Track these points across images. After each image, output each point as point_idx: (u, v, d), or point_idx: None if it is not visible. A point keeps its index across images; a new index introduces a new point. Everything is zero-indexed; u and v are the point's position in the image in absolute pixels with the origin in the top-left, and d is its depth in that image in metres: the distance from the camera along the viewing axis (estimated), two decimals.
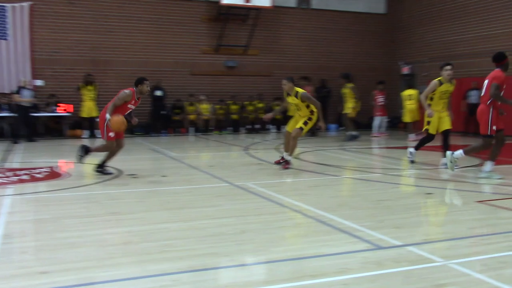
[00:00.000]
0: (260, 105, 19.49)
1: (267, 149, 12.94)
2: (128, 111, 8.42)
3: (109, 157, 8.41)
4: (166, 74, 18.71)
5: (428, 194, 6.83)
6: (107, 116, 7.94)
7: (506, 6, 16.56)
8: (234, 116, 19.17)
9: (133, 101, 8.28)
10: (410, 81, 21.10)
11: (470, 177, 8.25)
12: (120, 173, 8.64)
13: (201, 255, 4.21)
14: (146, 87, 8.28)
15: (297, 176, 8.74)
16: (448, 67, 9.08)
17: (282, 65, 20.27)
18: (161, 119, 17.94)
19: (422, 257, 4.15)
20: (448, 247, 4.44)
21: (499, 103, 7.69)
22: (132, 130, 17.65)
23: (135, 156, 11.28)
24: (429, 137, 9.29)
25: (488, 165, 7.94)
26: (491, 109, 7.66)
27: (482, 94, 7.87)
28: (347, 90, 15.59)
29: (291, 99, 9.25)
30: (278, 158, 9.69)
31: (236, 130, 18.80)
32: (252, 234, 4.87)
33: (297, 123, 9.29)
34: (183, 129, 18.29)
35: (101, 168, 8.39)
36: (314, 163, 10.34)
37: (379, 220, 5.42)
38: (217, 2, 18.43)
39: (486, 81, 7.82)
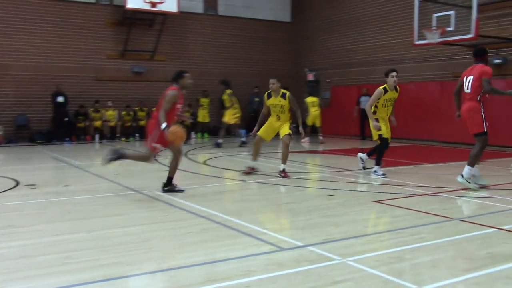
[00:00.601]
0: None
1: None
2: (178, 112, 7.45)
3: (173, 170, 7.47)
4: (69, 79, 18.00)
5: (329, 196, 7.14)
6: (163, 125, 6.87)
7: (401, 17, 17.68)
8: (142, 123, 18.80)
9: (180, 100, 7.35)
10: (315, 88, 21.91)
11: (368, 179, 8.73)
12: (17, 183, 8.21)
13: (104, 265, 4.13)
14: (188, 80, 7.40)
15: (205, 182, 8.77)
16: (394, 73, 8.92)
17: (189, 71, 20.03)
18: (64, 126, 17.22)
19: (322, 256, 4.35)
20: (346, 245, 4.68)
21: (497, 95, 7.72)
22: (32, 138, 16.80)
23: (35, 165, 10.76)
24: (384, 143, 8.92)
25: (468, 170, 7.45)
26: (482, 105, 7.43)
27: (468, 91, 7.48)
28: (226, 97, 15.33)
29: (276, 101, 8.91)
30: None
31: (143, 137, 18.44)
32: (157, 242, 4.85)
33: (279, 129, 9.00)
34: (88, 137, 17.68)
35: (170, 186, 7.46)
36: (222, 168, 10.43)
37: (283, 222, 5.60)
38: (122, 6, 18.05)
39: (470, 77, 7.46)
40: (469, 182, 7.35)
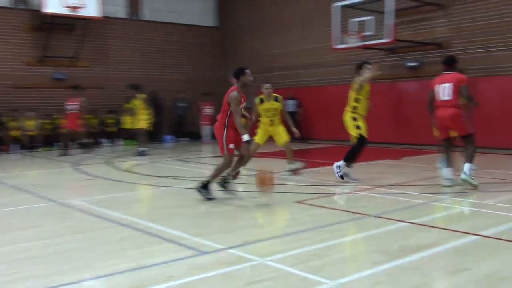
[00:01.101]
0: (94, 120, 18.79)
1: (98, 164, 12.53)
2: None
3: (216, 175, 7.23)
4: None
5: (252, 198, 7.24)
6: (246, 137, 6.82)
7: (323, 22, 18.16)
8: (64, 131, 18.17)
9: (242, 99, 7.04)
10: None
11: (291, 179, 8.93)
12: None
13: (20, 279, 3.97)
14: (249, 77, 7.08)
15: (129, 189, 8.63)
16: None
17: (115, 77, 19.82)
18: None
19: (242, 257, 4.41)
20: (266, 246, 4.77)
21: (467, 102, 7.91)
22: None
23: None
24: (362, 141, 8.40)
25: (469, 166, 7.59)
26: (463, 111, 7.76)
27: (449, 98, 7.62)
28: (138, 102, 14.28)
29: (270, 105, 9.14)
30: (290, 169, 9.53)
31: (65, 146, 17.81)
32: (75, 253, 4.72)
33: (274, 133, 9.38)
34: (5, 147, 16.83)
35: (204, 188, 7.19)
36: (147, 175, 10.29)
37: (205, 226, 5.62)
38: (39, 11, 17.36)
39: (447, 85, 7.64)
40: (472, 179, 7.50)
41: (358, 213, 6.08)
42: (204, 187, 7.17)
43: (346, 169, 8.40)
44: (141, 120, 14.21)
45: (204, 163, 12.87)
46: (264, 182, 6.75)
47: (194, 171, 10.87)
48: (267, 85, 9.20)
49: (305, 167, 9.68)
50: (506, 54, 13.62)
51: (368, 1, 14.70)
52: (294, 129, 9.32)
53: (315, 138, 17.91)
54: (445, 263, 4.18)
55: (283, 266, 4.14)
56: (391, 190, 7.71)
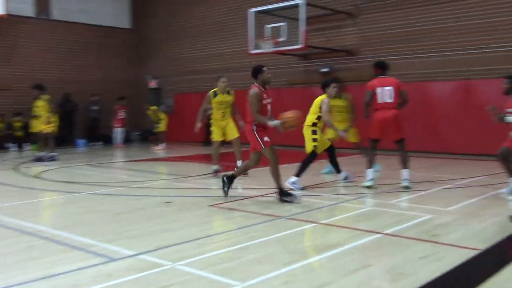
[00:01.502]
0: (0, 124, 17.77)
1: (4, 169, 11.87)
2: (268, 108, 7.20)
3: (278, 176, 7.09)
4: None
5: (167, 203, 7.18)
6: (272, 122, 6.91)
7: (239, 27, 18.36)
8: None
9: (264, 95, 7.09)
10: (157, 95, 21.83)
11: (206, 184, 8.95)
12: None
13: None
14: (267, 74, 7.16)
15: (36, 196, 8.26)
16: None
17: (23, 78, 18.79)
18: None
19: (152, 263, 4.37)
20: (177, 250, 4.75)
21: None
22: None
23: None
24: (314, 155, 8.35)
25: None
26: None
27: (391, 100, 7.90)
28: (42, 103, 13.42)
29: (223, 97, 9.63)
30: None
31: None
32: None
33: (225, 128, 9.75)
34: None
35: (286, 194, 7.07)
36: (57, 181, 9.89)
37: (117, 233, 5.51)
38: None
39: (389, 88, 7.93)
40: (407, 184, 7.95)
41: (270, 215, 6.21)
42: (231, 179, 7.40)
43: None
44: (47, 123, 13.46)
45: (116, 168, 12.58)
46: (291, 120, 6.98)
47: (106, 176, 10.60)
48: (224, 79, 9.63)
49: (221, 171, 9.73)
50: (410, 61, 14.46)
51: (282, 8, 15.04)
52: (241, 123, 9.57)
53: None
54: (350, 260, 4.38)
55: (194, 269, 4.15)
56: (303, 192, 7.94)
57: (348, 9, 15.56)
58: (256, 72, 7.20)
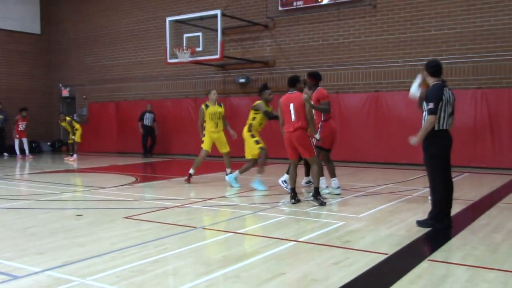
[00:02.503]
0: None
1: None
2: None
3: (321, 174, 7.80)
4: None
5: (78, 216, 6.88)
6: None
7: (156, 36, 18.12)
8: None
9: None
10: (70, 104, 21.02)
11: (121, 195, 8.69)
12: None
13: None
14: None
15: None
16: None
17: None
18: None
19: (60, 279, 4.15)
20: (87, 265, 4.55)
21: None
22: None
23: None
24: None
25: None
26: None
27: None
28: None
29: (215, 108, 9.90)
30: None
31: None
32: None
33: (218, 140, 9.99)
34: None
35: (318, 196, 7.54)
36: None
37: (22, 249, 5.18)
38: None
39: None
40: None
41: (186, 226, 6.13)
42: (317, 193, 7.52)
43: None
44: None
45: (24, 180, 11.92)
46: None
47: (12, 189, 10.00)
48: (214, 91, 10.05)
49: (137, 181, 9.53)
50: (323, 73, 14.92)
51: (199, 18, 15.03)
52: (232, 132, 9.92)
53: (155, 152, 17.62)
54: (264, 269, 4.40)
55: (105, 284, 3.99)
56: (220, 202, 7.92)
57: (265, 21, 15.82)
58: (295, 82, 7.83)
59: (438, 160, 5.88)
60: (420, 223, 5.99)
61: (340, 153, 14.06)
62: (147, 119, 17.22)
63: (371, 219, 6.49)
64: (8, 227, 6.32)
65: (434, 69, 5.95)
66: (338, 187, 8.51)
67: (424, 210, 6.68)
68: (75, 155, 16.24)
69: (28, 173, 13.25)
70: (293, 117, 7.55)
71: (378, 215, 6.76)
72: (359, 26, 14.46)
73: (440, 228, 5.86)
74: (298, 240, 5.40)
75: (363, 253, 4.88)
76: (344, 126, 14.22)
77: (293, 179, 7.73)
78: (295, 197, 7.65)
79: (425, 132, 5.76)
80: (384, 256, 4.77)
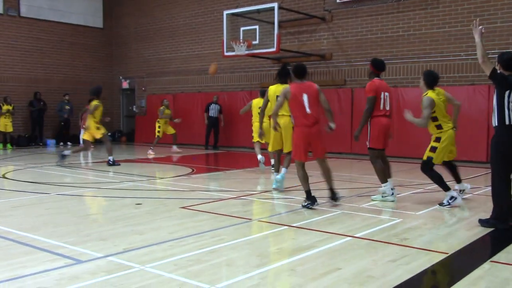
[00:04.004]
0: None
1: None
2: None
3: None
4: None
5: (137, 205, 7.09)
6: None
7: (214, 29, 18.34)
8: None
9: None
10: (129, 96, 21.61)
11: (178, 186, 8.87)
12: None
13: None
14: None
15: (2, 197, 8.04)
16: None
17: None
18: None
19: (121, 265, 4.30)
20: (146, 252, 4.69)
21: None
22: None
23: None
24: None
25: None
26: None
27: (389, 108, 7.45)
28: None
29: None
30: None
31: None
32: None
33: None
34: None
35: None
36: (24, 181, 9.66)
37: (85, 234, 5.40)
38: None
39: (387, 94, 7.37)
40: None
41: (241, 218, 6.19)
42: (334, 194, 7.07)
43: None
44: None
45: (87, 169, 12.36)
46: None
47: (75, 177, 10.41)
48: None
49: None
50: None
51: (256, 11, 15.06)
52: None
53: (212, 144, 17.86)
54: (319, 263, 4.38)
55: (163, 272, 4.10)
56: (276, 194, 7.94)
57: (322, 13, 15.67)
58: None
59: (501, 157, 5.64)
60: (482, 222, 5.79)
61: (397, 149, 13.78)
62: (213, 110, 17.35)
63: (429, 217, 6.33)
64: (72, 213, 6.59)
65: (508, 62, 5.67)
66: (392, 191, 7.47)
67: (485, 210, 6.44)
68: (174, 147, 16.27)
69: (91, 162, 13.74)
70: (308, 109, 6.74)
71: (437, 213, 6.59)
72: (419, 18, 14.07)
73: (502, 228, 5.64)
74: (354, 235, 5.34)
75: (421, 251, 4.77)
76: (402, 122, 13.89)
77: (307, 180, 6.92)
78: (313, 200, 6.85)
79: None
80: (444, 256, 4.64)
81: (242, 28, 15.61)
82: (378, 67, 7.52)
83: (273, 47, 14.45)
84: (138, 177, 10.14)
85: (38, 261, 4.43)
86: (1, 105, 17.61)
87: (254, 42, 15.09)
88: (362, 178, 9.98)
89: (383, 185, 7.36)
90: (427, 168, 7.00)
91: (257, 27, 15.31)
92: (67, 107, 19.30)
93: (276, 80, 8.64)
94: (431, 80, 7.00)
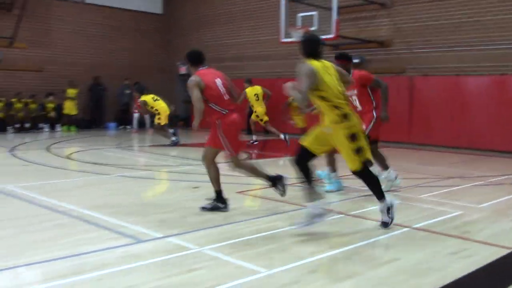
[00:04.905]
0: (33, 105, 18.10)
1: (37, 149, 12.10)
2: None
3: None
4: None
5: (194, 188, 7.22)
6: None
7: (271, 15, 18.27)
8: (0, 114, 17.48)
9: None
10: (186, 81, 21.87)
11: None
12: None
13: None
14: None
15: (67, 176, 8.40)
16: None
17: (55, 60, 19.13)
18: None
19: (179, 246, 4.40)
20: (204, 235, 4.78)
21: None
22: None
23: None
24: None
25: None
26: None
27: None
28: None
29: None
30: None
31: (1, 130, 17.12)
32: (9, 239, 4.57)
33: None
34: None
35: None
36: (87, 162, 10.03)
37: (144, 215, 5.56)
38: None
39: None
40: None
41: (297, 204, 6.19)
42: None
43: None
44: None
45: (146, 152, 12.69)
46: None
47: (135, 159, 10.72)
48: None
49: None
50: (443, 54, 14.16)
51: None
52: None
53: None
54: (377, 252, 4.33)
55: (220, 254, 4.17)
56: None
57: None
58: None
59: None
60: None
61: (456, 139, 13.36)
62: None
63: (492, 210, 6.10)
64: (132, 195, 6.79)
65: None
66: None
67: None
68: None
69: (148, 146, 14.10)
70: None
71: (501, 206, 6.35)
72: (485, 4, 13.45)
73: None
74: (412, 226, 5.23)
75: (483, 245, 4.62)
76: (462, 111, 13.43)
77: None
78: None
79: None
80: (507, 251, 4.47)
81: (300, 14, 15.45)
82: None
83: (331, 33, 14.23)
84: (194, 161, 10.30)
85: (101, 239, 4.60)
86: (66, 88, 18.27)
87: (311, 28, 14.91)
88: (419, 168, 9.74)
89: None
90: None
91: (315, 13, 15.10)
92: (127, 91, 19.80)
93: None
94: None
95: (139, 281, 3.59)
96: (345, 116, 4.90)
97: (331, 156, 7.04)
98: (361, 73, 7.08)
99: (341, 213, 5.80)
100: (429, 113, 14.06)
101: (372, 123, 6.93)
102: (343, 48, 16.30)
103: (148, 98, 13.14)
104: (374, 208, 6.17)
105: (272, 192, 6.97)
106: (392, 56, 15.29)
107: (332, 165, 7.17)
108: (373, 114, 6.98)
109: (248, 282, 3.59)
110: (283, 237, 4.75)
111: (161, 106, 13.02)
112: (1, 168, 9.11)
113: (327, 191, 6.59)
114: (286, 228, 5.04)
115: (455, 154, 12.22)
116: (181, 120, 21.69)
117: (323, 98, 4.95)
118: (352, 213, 5.85)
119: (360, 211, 5.94)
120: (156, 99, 13.20)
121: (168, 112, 13.16)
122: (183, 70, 21.93)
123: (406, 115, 14.49)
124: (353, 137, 4.91)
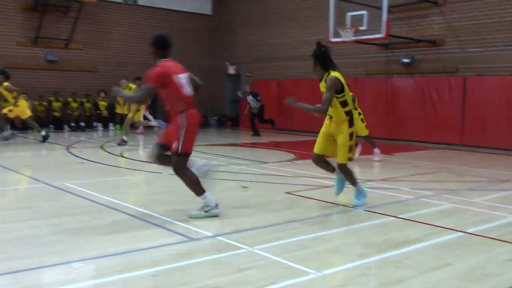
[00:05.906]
0: (88, 104, 18.73)
1: (91, 147, 12.52)
2: None
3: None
4: None
5: (244, 188, 7.29)
6: None
7: (320, 15, 18.18)
8: (57, 114, 18.16)
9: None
10: (235, 82, 22.12)
11: (282, 171, 8.99)
12: None
13: (5, 259, 4.00)
14: None
15: (120, 174, 8.66)
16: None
17: (108, 61, 19.75)
18: None
19: (230, 245, 4.47)
20: (254, 235, 4.83)
21: None
22: None
23: None
24: None
25: None
26: None
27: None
28: (1, 90, 12.81)
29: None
30: None
31: (58, 128, 17.80)
32: (64, 235, 4.75)
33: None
34: None
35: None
36: (138, 160, 10.30)
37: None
38: None
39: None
40: None
41: (345, 206, 6.16)
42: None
43: None
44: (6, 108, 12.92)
45: (196, 151, 12.87)
46: None
47: None
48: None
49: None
50: (498, 54, 13.71)
51: None
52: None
53: (309, 130, 17.90)
54: (429, 257, 4.26)
55: (270, 254, 4.20)
56: (380, 184, 7.79)
57: None
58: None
59: None
60: None
61: (506, 141, 12.94)
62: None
63: None
64: (182, 193, 6.90)
65: None
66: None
67: None
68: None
69: (197, 145, 14.30)
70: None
71: None
72: None
73: None
74: (465, 231, 5.11)
75: None
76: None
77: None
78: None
79: None
80: None
81: (349, 14, 15.32)
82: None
83: (381, 33, 14.05)
84: (243, 161, 10.40)
85: (154, 236, 4.73)
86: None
87: (361, 28, 14.76)
88: (472, 171, 9.48)
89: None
90: None
91: (364, 12, 14.93)
92: None
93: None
94: None
95: (191, 279, 3.68)
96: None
97: (324, 162, 6.44)
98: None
99: (392, 216, 5.73)
100: (483, 113, 13.66)
101: None
102: (393, 47, 16.06)
103: None
104: (426, 211, 6.08)
105: (320, 193, 6.97)
106: (445, 55, 14.93)
107: (328, 170, 6.48)
108: None
109: (298, 284, 3.61)
110: (332, 239, 4.75)
111: None
112: (60, 165, 9.48)
113: (355, 206, 6.23)
114: (335, 230, 5.04)
115: (509, 156, 11.82)
116: (229, 120, 21.95)
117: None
118: (401, 216, 5.76)
119: (409, 214, 5.85)
120: None
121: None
122: (231, 70, 22.16)
123: (458, 116, 14.13)
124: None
